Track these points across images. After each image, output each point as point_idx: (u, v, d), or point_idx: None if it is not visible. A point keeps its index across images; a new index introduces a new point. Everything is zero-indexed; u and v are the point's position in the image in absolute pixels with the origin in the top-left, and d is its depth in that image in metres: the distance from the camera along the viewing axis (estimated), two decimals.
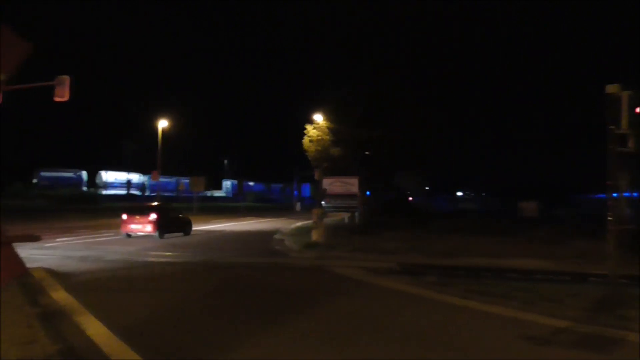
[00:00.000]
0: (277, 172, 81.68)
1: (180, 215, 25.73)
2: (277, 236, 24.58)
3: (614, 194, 10.21)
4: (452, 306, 8.62)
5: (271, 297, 9.68)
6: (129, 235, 22.99)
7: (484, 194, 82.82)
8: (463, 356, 6.11)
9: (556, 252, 15.83)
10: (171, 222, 24.11)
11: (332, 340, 6.60)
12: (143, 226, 22.67)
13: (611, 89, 8.64)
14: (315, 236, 20.58)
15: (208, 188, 70.33)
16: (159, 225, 22.71)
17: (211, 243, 21.62)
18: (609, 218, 10.16)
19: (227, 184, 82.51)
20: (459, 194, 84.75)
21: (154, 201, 33.63)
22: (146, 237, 22.82)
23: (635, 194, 14.04)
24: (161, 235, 22.71)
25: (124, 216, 23.20)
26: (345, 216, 31.65)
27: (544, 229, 22.83)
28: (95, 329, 6.88)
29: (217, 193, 77.85)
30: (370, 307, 8.75)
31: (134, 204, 27.58)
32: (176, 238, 23.06)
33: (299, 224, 31.72)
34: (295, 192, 77.05)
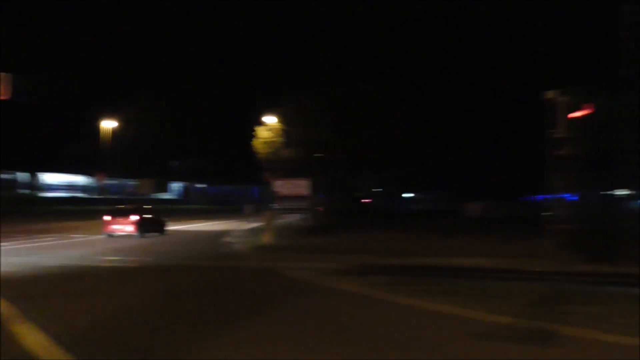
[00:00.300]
0: (229, 174, 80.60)
1: (157, 216, 27.11)
2: (228, 238, 24.30)
3: (552, 195, 10.73)
4: (400, 305, 8.78)
5: (223, 300, 9.57)
6: (110, 236, 24.18)
7: (434, 195, 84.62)
8: (408, 354, 6.22)
9: (501, 250, 16.41)
10: (150, 223, 25.52)
11: (283, 342, 6.60)
12: (125, 226, 24.30)
13: (549, 95, 9.05)
14: (266, 238, 20.49)
15: (156, 190, 68.67)
16: (140, 225, 24.32)
17: (164, 245, 21.30)
18: (547, 218, 10.63)
19: (175, 186, 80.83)
20: (412, 195, 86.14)
21: (99, 204, 33.26)
22: (95, 240, 22.82)
23: (573, 196, 14.74)
24: (142, 235, 24.11)
25: (107, 217, 24.85)
26: (297, 218, 31.67)
27: (490, 228, 23.62)
28: (33, 338, 6.58)
29: (165, 195, 76.17)
30: (320, 309, 8.78)
31: (117, 205, 28.59)
32: (129, 240, 22.93)
33: (251, 225, 31.47)
34: (249, 194, 76.42)
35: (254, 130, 31.44)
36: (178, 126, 65.20)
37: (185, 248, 20.61)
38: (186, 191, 78.72)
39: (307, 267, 13.44)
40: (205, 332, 7.06)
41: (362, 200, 52.61)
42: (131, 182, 66.12)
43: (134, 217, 24.50)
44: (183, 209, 59.94)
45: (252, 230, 27.81)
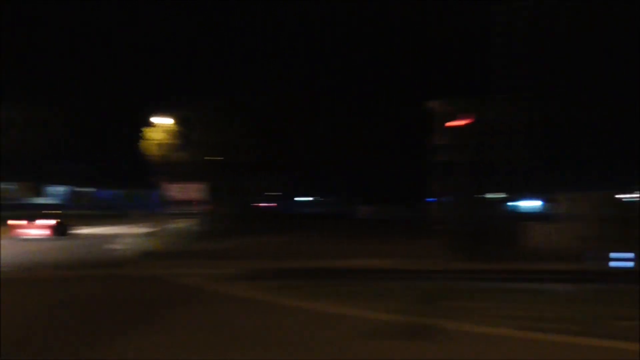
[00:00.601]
0: (117, 178, 76.52)
1: (64, 221, 29.17)
2: (114, 245, 23.06)
3: (437, 198, 11.46)
4: (292, 308, 8.89)
5: (108, 310, 9.07)
6: (23, 240, 25.19)
7: (331, 198, 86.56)
8: (298, 355, 6.29)
9: (390, 251, 17.10)
10: (61, 227, 27.79)
11: (172, 350, 6.44)
12: (41, 230, 26.51)
13: (430, 104, 9.63)
14: (157, 244, 19.75)
15: (35, 194, 63.47)
16: (55, 229, 26.88)
17: (49, 252, 19.94)
18: (432, 220, 11.27)
19: (57, 190, 75.26)
20: (309, 198, 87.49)
21: None
22: None
23: (452, 199, 15.78)
24: (56, 238, 25.99)
25: (22, 222, 26.77)
26: (190, 222, 30.84)
27: (381, 230, 24.58)
28: None
29: (45, 200, 70.68)
30: (210, 315, 8.63)
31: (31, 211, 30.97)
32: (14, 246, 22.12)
33: (141, 231, 30.11)
34: (140, 198, 73.06)
35: (144, 132, 30.12)
36: (60, 126, 60.64)
37: (69, 255, 19.26)
38: (70, 195, 73.61)
39: (199, 273, 13.12)
40: (88, 344, 6.64)
41: (263, 205, 52.51)
42: (5, 186, 60.56)
43: (50, 222, 27.17)
44: (67, 214, 55.86)
45: (143, 235, 26.64)
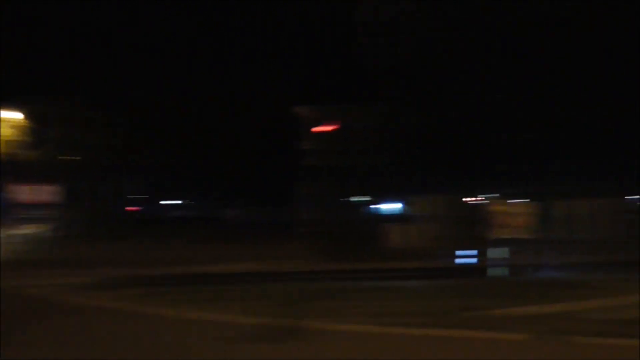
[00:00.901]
0: None
1: None
2: None
3: (302, 201, 11.79)
4: (152, 316, 8.60)
5: None
6: None
7: (198, 201, 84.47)
8: None
9: (258, 254, 17.18)
10: None
11: None
12: None
13: (297, 109, 9.88)
14: None
15: None
16: None
17: None
18: (299, 222, 11.55)
19: None
20: (178, 201, 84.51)
21: None
22: None
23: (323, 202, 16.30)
24: None
25: None
26: (41, 228, 28.31)
27: (249, 234, 24.57)
28: None
29: None
30: (64, 328, 7.99)
31: None
32: None
33: None
34: None
35: None
36: None
37: None
38: None
39: (51, 283, 12.10)
40: None
41: (128, 208, 49.73)
42: None
43: None
44: None
45: None
